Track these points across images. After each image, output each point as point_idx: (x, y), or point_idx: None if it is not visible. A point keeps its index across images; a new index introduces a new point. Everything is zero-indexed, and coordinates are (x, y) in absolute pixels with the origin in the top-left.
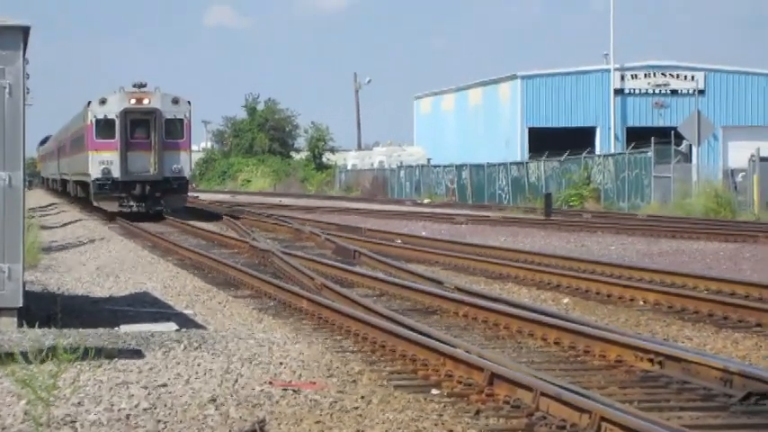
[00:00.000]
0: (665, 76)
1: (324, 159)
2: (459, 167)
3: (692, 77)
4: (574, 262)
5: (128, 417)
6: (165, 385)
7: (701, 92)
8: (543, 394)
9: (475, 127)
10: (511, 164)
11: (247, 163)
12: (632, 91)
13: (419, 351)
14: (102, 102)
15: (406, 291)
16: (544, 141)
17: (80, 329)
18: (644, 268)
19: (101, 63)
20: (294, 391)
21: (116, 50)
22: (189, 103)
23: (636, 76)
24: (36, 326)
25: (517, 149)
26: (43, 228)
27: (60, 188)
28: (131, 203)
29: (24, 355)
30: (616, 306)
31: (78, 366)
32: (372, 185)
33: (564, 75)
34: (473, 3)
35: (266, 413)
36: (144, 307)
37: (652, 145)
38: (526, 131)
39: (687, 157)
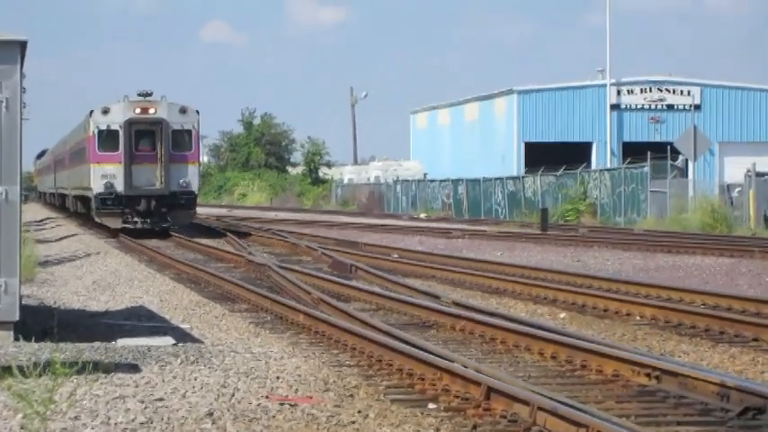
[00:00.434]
0: (662, 91)
1: (320, 174)
2: (456, 182)
3: (689, 93)
4: (570, 276)
5: (124, 431)
6: (161, 399)
7: (698, 107)
8: (540, 408)
9: (471, 142)
10: (507, 178)
11: (244, 177)
12: (628, 106)
13: (416, 365)
14: (105, 111)
15: (403, 305)
16: (540, 156)
17: (77, 343)
18: (640, 283)
19: (97, 78)
20: (291, 405)
21: (112, 65)
22: (197, 112)
23: (632, 91)
24: (32, 340)
25: (513, 164)
26: (39, 242)
27: (59, 203)
28: (136, 219)
29: (21, 368)
30: (613, 321)
31: (75, 380)
32: (369, 200)
33: (560, 90)
34: (469, 18)
35: (263, 427)
36: (140, 321)
37: (648, 160)
38: (522, 146)
39: (683, 173)
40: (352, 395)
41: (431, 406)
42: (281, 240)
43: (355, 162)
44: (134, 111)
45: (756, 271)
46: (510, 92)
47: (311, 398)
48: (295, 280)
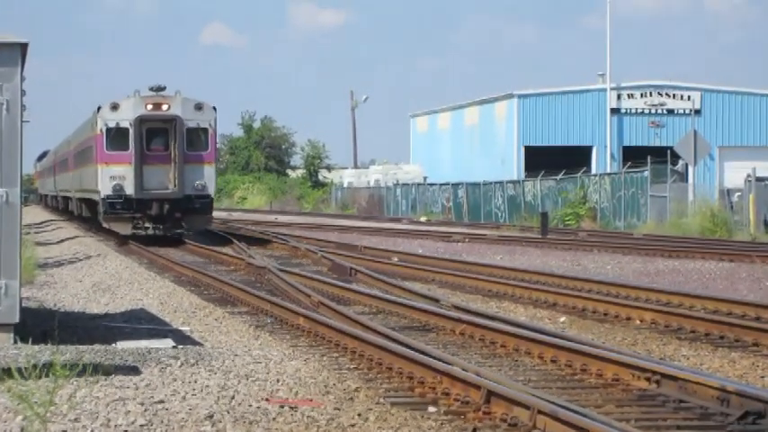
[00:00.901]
0: (662, 95)
1: (320, 177)
2: (456, 186)
3: (689, 97)
4: (570, 280)
5: None
6: (161, 402)
7: (698, 112)
8: (540, 412)
9: (471, 145)
10: (507, 182)
11: (243, 180)
12: (628, 110)
13: (416, 368)
14: (114, 107)
15: (403, 308)
16: (540, 160)
17: (77, 345)
18: (640, 287)
19: (97, 80)
20: (291, 408)
21: (113, 67)
22: (214, 109)
23: (632, 95)
24: (32, 342)
25: (513, 168)
26: (39, 244)
27: (61, 206)
28: (147, 225)
29: (21, 370)
30: (613, 325)
31: (75, 382)
32: (368, 203)
33: (560, 94)
34: (470, 22)
35: (263, 430)
36: (140, 323)
37: (648, 164)
38: (522, 150)
39: (683, 177)
40: (351, 398)
41: (431, 409)
42: (280, 243)
43: (355, 165)
44: (145, 107)
45: (756, 275)
46: (510, 96)
47: (311, 401)
48: (295, 283)
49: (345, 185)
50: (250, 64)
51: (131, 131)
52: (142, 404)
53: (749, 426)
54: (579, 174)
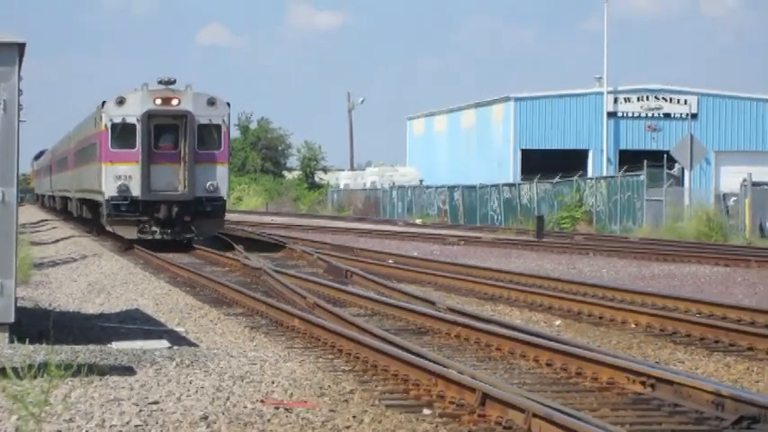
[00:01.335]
0: (658, 99)
1: (316, 179)
2: (452, 188)
3: (685, 101)
4: (566, 284)
5: None
6: (156, 402)
7: (694, 116)
8: (535, 416)
9: (467, 148)
10: (503, 185)
11: (239, 182)
12: (625, 114)
13: (411, 371)
14: (120, 102)
15: (399, 311)
16: (536, 163)
17: (72, 346)
18: (636, 291)
19: (95, 80)
20: (286, 409)
21: (111, 67)
22: (228, 104)
23: (629, 99)
24: (27, 342)
25: (509, 171)
26: (35, 244)
27: (59, 206)
28: (154, 229)
29: (16, 370)
30: (608, 328)
31: (70, 383)
32: (364, 205)
33: (557, 97)
34: (467, 24)
35: (258, 431)
36: (135, 324)
37: (644, 168)
38: (519, 153)
39: (679, 181)
40: (347, 400)
41: (426, 412)
42: (276, 244)
43: (351, 167)
44: (154, 101)
45: (751, 280)
46: (507, 99)
47: (306, 402)
48: (290, 284)
49: (341, 187)
50: (247, 65)
51: (138, 128)
52: (137, 405)
53: (744, 430)
54: (575, 177)
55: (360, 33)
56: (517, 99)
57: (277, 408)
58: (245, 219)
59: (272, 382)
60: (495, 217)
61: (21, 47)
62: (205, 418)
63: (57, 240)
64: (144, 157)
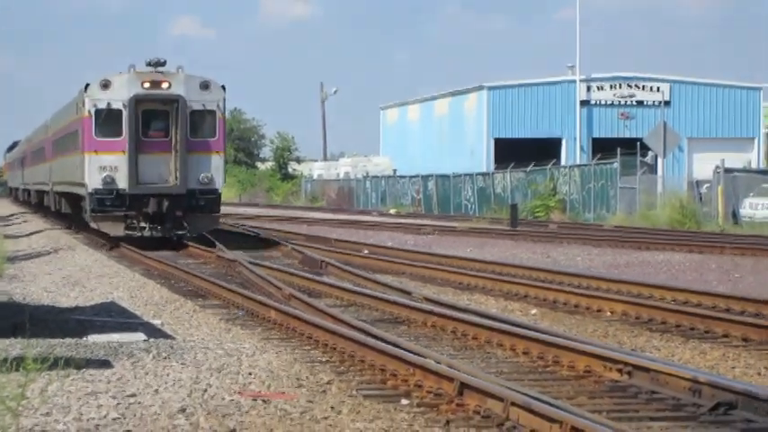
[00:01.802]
0: (631, 87)
1: (289, 169)
2: (425, 178)
3: (658, 89)
4: (541, 272)
5: (97, 427)
6: (134, 395)
7: (667, 103)
8: (513, 404)
9: (440, 138)
10: (477, 174)
11: None
12: (598, 102)
13: (388, 361)
14: (105, 85)
15: (375, 301)
16: (510, 152)
17: (48, 339)
18: (611, 279)
19: (67, 71)
20: (264, 401)
21: (81, 57)
22: (223, 88)
23: (602, 87)
24: (1, 336)
25: (483, 160)
26: (7, 237)
27: (34, 200)
28: (143, 225)
29: None
30: (584, 316)
31: (47, 376)
32: (338, 196)
33: (530, 86)
34: (439, 14)
35: (236, 423)
36: (111, 317)
37: (618, 156)
38: (492, 142)
39: (652, 169)
40: (324, 391)
41: (404, 402)
42: (250, 236)
43: (325, 158)
44: (142, 85)
45: (725, 267)
46: (480, 88)
47: (284, 394)
48: (266, 276)
49: (315, 178)
50: (220, 55)
51: (125, 114)
52: (114, 398)
53: (721, 417)
54: (549, 166)
55: (332, 24)
56: (490, 88)
57: (255, 399)
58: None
59: (250, 374)
60: (469, 206)
61: None
62: (183, 410)
63: (30, 234)
64: (131, 146)
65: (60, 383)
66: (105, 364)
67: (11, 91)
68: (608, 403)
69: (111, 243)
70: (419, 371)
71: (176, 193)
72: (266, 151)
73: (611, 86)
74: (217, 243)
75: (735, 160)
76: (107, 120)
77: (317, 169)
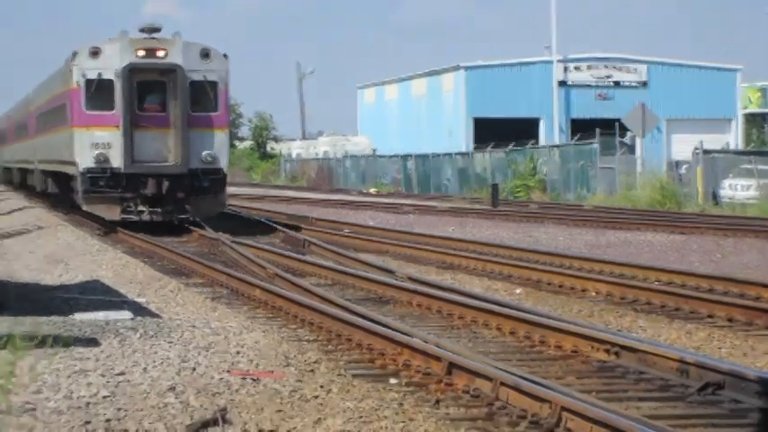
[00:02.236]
0: (608, 68)
1: (268, 148)
2: (405, 157)
3: (635, 70)
4: (524, 252)
5: (88, 405)
6: (122, 373)
7: (645, 84)
8: (503, 384)
9: (418, 117)
10: (456, 154)
11: None
12: (575, 83)
13: (376, 340)
14: (95, 53)
15: (359, 280)
16: (488, 132)
17: (34, 317)
18: (594, 259)
19: (43, 48)
20: (253, 379)
21: (52, 36)
22: (226, 57)
23: (579, 67)
24: None
25: (461, 140)
26: None
27: (17, 179)
28: (141, 209)
29: None
30: (568, 297)
31: (35, 355)
32: (318, 175)
33: (507, 66)
34: None
35: (227, 401)
36: (96, 295)
37: (597, 136)
38: (471, 122)
39: (631, 149)
40: (313, 370)
41: (392, 381)
42: (231, 215)
43: (303, 137)
44: (136, 53)
45: (707, 247)
46: (457, 67)
47: (273, 372)
48: (249, 255)
49: (294, 157)
50: (195, 35)
51: (118, 85)
52: (103, 376)
53: (709, 397)
54: (529, 146)
55: (309, 2)
56: (468, 68)
57: (244, 378)
58: None
59: (238, 353)
60: (449, 186)
61: None
62: (173, 388)
63: (11, 211)
64: (125, 120)
65: (48, 361)
66: (93, 342)
67: None
68: (596, 383)
69: (107, 228)
70: (407, 350)
71: (177, 172)
72: (245, 130)
73: (588, 67)
74: (199, 222)
75: (713, 141)
76: (98, 91)
77: (295, 148)
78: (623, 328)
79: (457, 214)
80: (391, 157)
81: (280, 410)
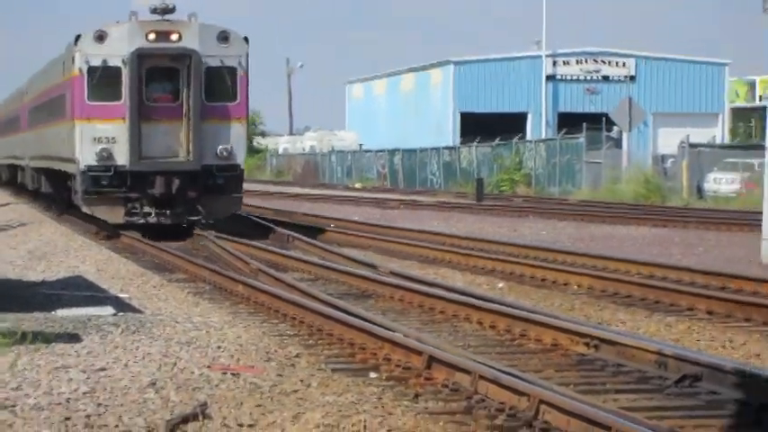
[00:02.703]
0: (597, 62)
1: (255, 143)
2: (392, 152)
3: (624, 64)
4: (507, 246)
5: (68, 401)
6: (103, 369)
7: (632, 78)
8: (482, 377)
9: (406, 112)
10: (443, 149)
11: None
12: (564, 77)
13: (356, 335)
14: (100, 37)
15: (341, 275)
16: (476, 127)
17: (16, 314)
18: (576, 253)
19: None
20: (233, 374)
21: (41, 30)
22: (246, 41)
23: (567, 62)
24: None
25: (449, 134)
26: None
27: (6, 177)
28: (147, 210)
29: None
30: (550, 290)
31: (16, 350)
32: (304, 170)
33: (495, 61)
34: None
35: (207, 396)
36: (79, 291)
37: (584, 131)
38: (458, 116)
39: (618, 143)
40: (293, 365)
41: (372, 375)
42: None
43: (291, 132)
44: (146, 37)
45: (690, 241)
46: (446, 62)
47: (253, 367)
48: (232, 250)
49: (281, 152)
50: None
51: (125, 72)
52: (84, 372)
53: (686, 389)
54: (515, 140)
55: None
56: (456, 63)
57: (224, 373)
58: None
59: (219, 348)
60: (435, 180)
61: None
62: (153, 383)
63: None
64: (132, 112)
65: (29, 357)
66: (74, 338)
67: None
68: (575, 376)
69: (108, 232)
70: (387, 344)
71: (189, 169)
72: None
73: (576, 61)
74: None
75: (699, 135)
76: (103, 80)
77: (282, 143)
78: (603, 321)
79: (442, 209)
80: (377, 151)
81: (259, 405)
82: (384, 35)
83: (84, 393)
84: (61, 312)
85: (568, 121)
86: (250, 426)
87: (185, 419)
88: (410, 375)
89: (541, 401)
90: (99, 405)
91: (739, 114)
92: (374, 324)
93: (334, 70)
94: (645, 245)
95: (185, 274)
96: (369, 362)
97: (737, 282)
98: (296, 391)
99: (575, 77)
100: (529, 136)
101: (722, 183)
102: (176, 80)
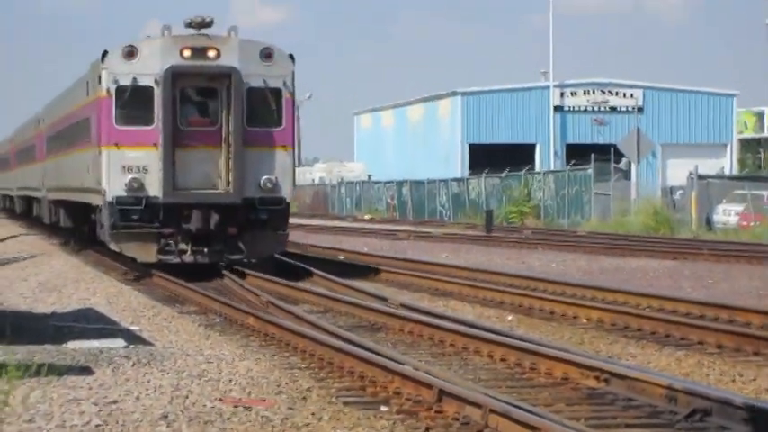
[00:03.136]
0: (604, 93)
1: None
2: (400, 183)
3: (631, 95)
4: (516, 279)
5: None
6: (115, 402)
7: (640, 109)
8: (492, 411)
9: (414, 143)
10: (451, 180)
11: None
12: (571, 108)
13: (367, 368)
14: (130, 54)
15: (352, 307)
16: (484, 158)
17: (27, 346)
18: (586, 285)
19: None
20: (245, 407)
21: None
22: (292, 59)
23: (575, 93)
24: None
25: (457, 166)
26: None
27: (21, 209)
28: (183, 247)
29: None
30: (560, 323)
31: (28, 383)
32: (313, 201)
33: (503, 92)
34: (411, 20)
35: (218, 430)
36: (90, 323)
37: (592, 162)
38: (466, 148)
39: (626, 175)
40: (304, 398)
41: (383, 408)
42: None
43: (299, 163)
44: (181, 53)
45: (699, 273)
46: (454, 93)
47: (264, 400)
48: (242, 282)
49: None
50: None
51: (158, 93)
52: (96, 404)
53: (697, 423)
54: (523, 171)
55: (304, 28)
56: (464, 94)
57: (236, 406)
58: None
59: (230, 381)
60: (444, 212)
61: None
62: (165, 416)
63: (3, 239)
64: (166, 137)
65: (42, 390)
66: (86, 370)
67: None
68: (586, 410)
69: (139, 272)
70: (398, 378)
71: (229, 202)
72: None
73: (584, 92)
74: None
75: (708, 166)
76: (133, 101)
77: None
78: (614, 355)
79: (451, 240)
80: (386, 183)
81: None
82: (392, 65)
83: (96, 426)
84: (72, 344)
85: (577, 153)
86: None
87: None
88: (421, 408)
89: None
90: None
91: (748, 145)
92: (384, 357)
93: (342, 100)
94: (654, 277)
95: (196, 306)
96: (379, 395)
97: (746, 314)
98: (307, 425)
99: (582, 108)
100: (537, 167)
101: (731, 214)
102: (214, 102)
